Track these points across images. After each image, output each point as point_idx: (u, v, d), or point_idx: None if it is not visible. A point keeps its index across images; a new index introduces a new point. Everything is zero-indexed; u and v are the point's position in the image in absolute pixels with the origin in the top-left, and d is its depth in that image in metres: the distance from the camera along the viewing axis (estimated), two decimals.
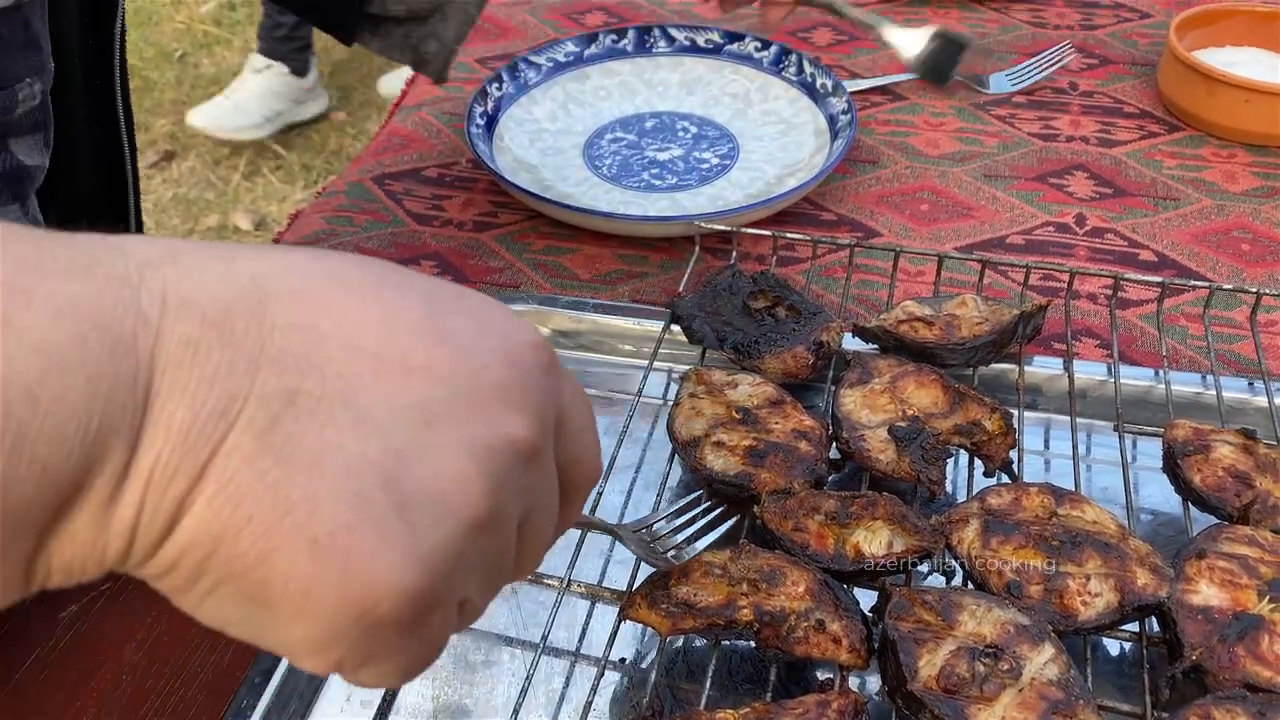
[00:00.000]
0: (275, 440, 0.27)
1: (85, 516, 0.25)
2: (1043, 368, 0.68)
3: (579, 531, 0.57)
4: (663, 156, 0.93)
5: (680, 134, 0.95)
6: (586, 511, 0.57)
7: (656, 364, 0.69)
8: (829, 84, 0.95)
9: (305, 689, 0.54)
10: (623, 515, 0.59)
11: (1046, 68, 1.03)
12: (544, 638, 0.52)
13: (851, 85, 1.00)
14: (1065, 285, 0.71)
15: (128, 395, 0.25)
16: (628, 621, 0.52)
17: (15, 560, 0.25)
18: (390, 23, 0.75)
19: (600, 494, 0.60)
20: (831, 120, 0.92)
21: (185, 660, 0.56)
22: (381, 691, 0.51)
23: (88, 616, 0.58)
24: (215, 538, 0.27)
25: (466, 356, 0.30)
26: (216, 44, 3.04)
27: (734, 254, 0.75)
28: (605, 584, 0.58)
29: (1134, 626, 0.52)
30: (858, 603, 0.51)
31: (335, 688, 0.54)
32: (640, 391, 0.64)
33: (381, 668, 0.30)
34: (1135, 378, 0.68)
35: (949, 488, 0.63)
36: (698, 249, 0.75)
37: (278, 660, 0.53)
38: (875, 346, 0.68)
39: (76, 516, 0.25)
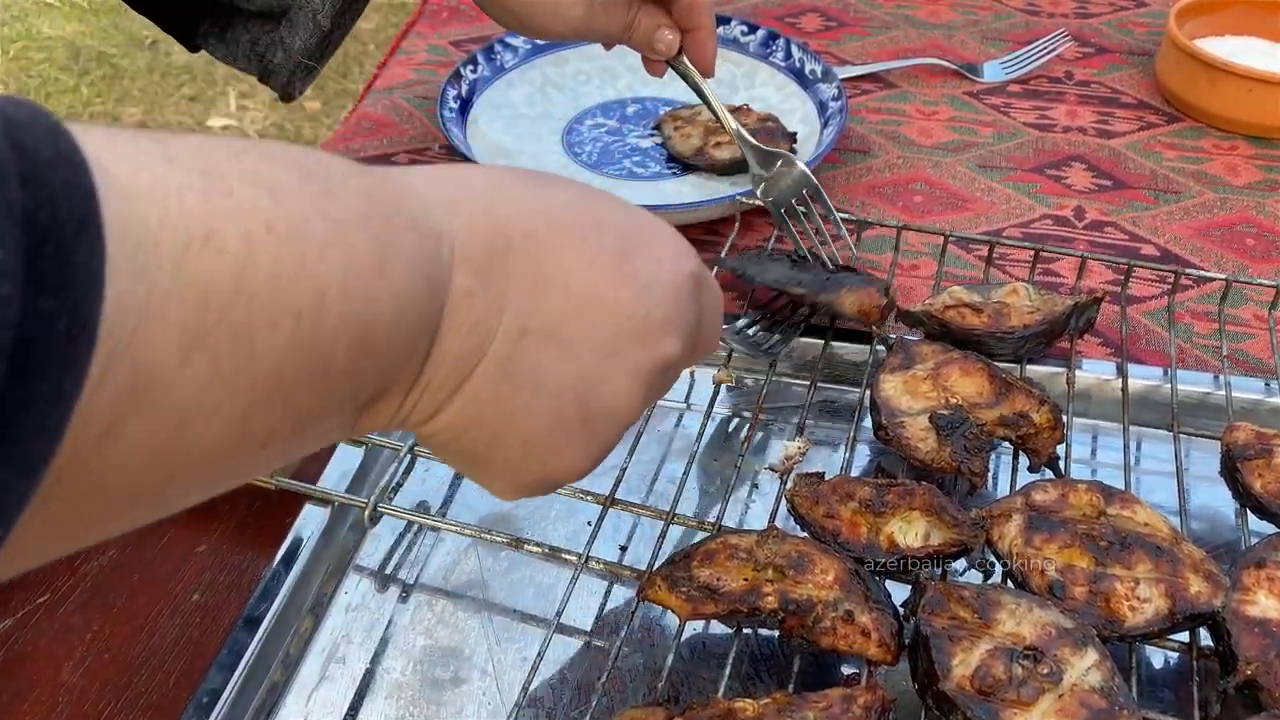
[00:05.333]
0: (509, 368, 0.37)
1: (387, 404, 0.35)
2: (1092, 372, 0.65)
3: (598, 507, 0.55)
4: (645, 144, 0.89)
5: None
6: (641, 499, 0.55)
7: None
8: (818, 70, 0.91)
9: (259, 708, 0.50)
10: (675, 502, 0.56)
11: (1041, 56, 0.99)
12: (558, 614, 0.50)
13: (841, 72, 0.95)
14: (1074, 281, 0.68)
15: (430, 332, 0.34)
16: (646, 603, 0.50)
17: (349, 421, 0.35)
18: (238, 27, 0.69)
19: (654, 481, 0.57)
20: (821, 107, 0.89)
21: (127, 681, 0.51)
22: (342, 713, 0.50)
23: (22, 632, 0.53)
24: (461, 428, 0.37)
25: (644, 296, 0.39)
26: None
27: (774, 234, 0.72)
28: (625, 563, 0.56)
29: (1184, 636, 0.49)
30: (889, 595, 0.49)
31: (290, 707, 0.51)
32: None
33: (541, 494, 0.43)
34: (1193, 383, 0.64)
35: (990, 482, 0.60)
36: (738, 225, 0.73)
37: (226, 679, 0.49)
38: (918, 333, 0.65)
39: (382, 404, 0.35)
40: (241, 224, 0.28)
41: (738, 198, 0.73)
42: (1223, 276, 0.66)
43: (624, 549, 0.57)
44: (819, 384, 0.65)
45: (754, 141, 0.73)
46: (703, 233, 0.80)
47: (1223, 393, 0.62)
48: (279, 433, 0.31)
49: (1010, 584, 0.50)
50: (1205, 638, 0.49)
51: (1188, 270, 0.67)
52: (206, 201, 0.27)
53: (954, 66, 0.99)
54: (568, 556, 0.52)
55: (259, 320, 0.28)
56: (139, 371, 0.25)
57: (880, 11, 1.09)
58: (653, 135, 0.90)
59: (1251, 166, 0.87)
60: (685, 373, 0.68)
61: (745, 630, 0.50)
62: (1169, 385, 0.62)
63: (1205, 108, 0.91)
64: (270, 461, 0.32)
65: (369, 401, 0.34)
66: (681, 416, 0.66)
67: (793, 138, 0.85)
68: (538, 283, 0.37)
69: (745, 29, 0.97)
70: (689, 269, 0.41)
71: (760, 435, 0.64)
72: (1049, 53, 1.00)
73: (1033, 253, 0.69)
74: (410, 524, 0.58)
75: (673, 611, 0.48)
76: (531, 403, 0.38)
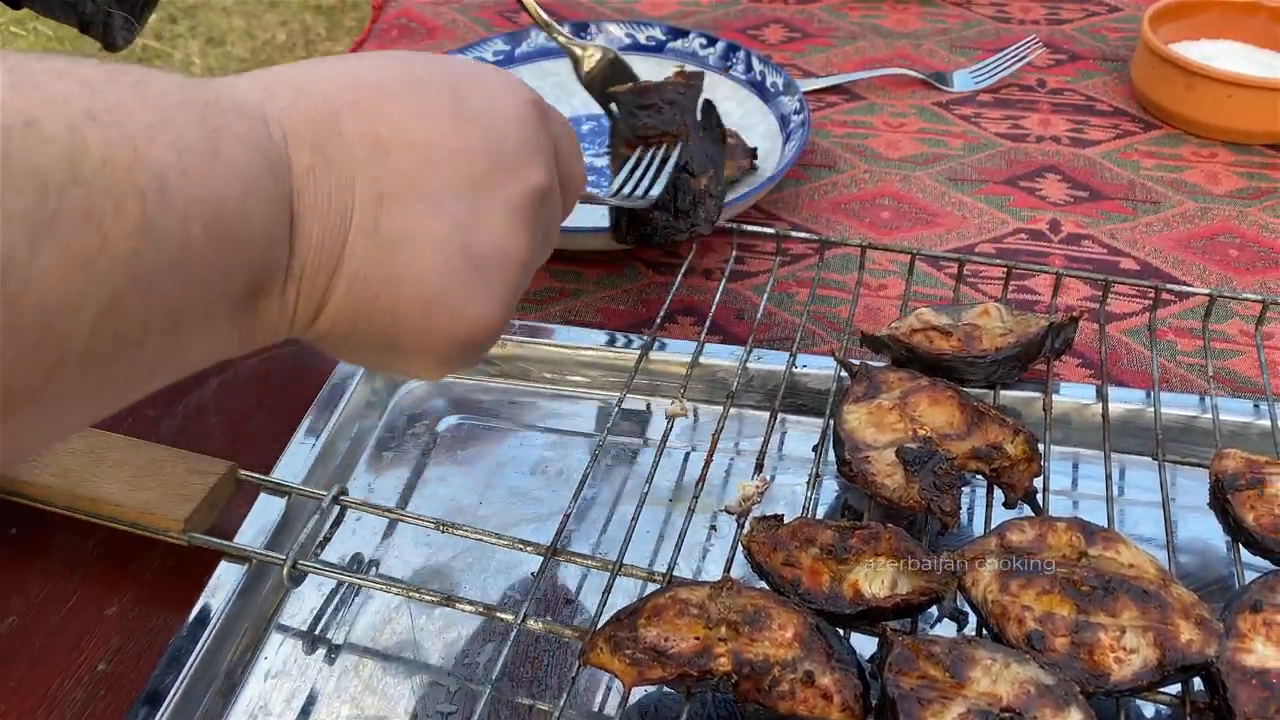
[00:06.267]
0: (379, 237, 0.36)
1: (267, 301, 0.35)
2: (1071, 396, 0.61)
3: (538, 559, 0.50)
4: (600, 162, 0.85)
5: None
6: (592, 546, 0.51)
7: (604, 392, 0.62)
8: (780, 82, 0.88)
9: None
10: (623, 551, 0.51)
11: (1012, 64, 0.96)
12: (495, 679, 0.45)
13: (804, 84, 0.92)
14: (1049, 299, 0.64)
15: (285, 214, 0.34)
16: (588, 667, 0.45)
17: (231, 322, 0.34)
18: None
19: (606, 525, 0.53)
20: (783, 121, 0.85)
21: None
22: None
23: None
24: (354, 311, 0.37)
25: (489, 132, 0.39)
26: (157, 58, 2.92)
27: (733, 253, 0.68)
28: (574, 619, 0.51)
29: (1176, 689, 0.45)
30: (854, 652, 0.44)
31: None
32: (611, 422, 0.58)
33: (468, 367, 0.46)
34: (1178, 405, 0.60)
35: (964, 520, 0.56)
36: (694, 246, 0.69)
37: None
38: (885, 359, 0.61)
39: (262, 300, 0.35)
40: (60, 113, 0.27)
41: None
42: (1206, 291, 0.63)
43: (570, 602, 0.53)
44: (780, 414, 0.61)
45: (554, 24, 0.74)
46: (660, 254, 0.76)
47: (1209, 415, 0.58)
48: (153, 328, 0.30)
49: (985, 635, 0.46)
50: (1200, 688, 0.45)
51: (1169, 285, 0.63)
52: (18, 93, 0.27)
53: (922, 76, 0.96)
54: (503, 616, 0.48)
55: (102, 205, 0.28)
56: None
57: (846, 21, 1.06)
58: (607, 154, 0.86)
59: (1232, 174, 0.84)
60: (641, 406, 0.64)
61: (698, 691, 0.45)
62: (1152, 409, 0.59)
63: (1183, 114, 0.88)
64: (154, 367, 0.32)
65: (247, 298, 0.34)
66: (637, 454, 0.62)
67: (753, 154, 0.81)
68: (378, 148, 0.36)
69: (704, 41, 0.93)
70: (526, 97, 0.42)
71: (721, 472, 0.60)
72: (1020, 60, 0.97)
73: (1005, 270, 0.66)
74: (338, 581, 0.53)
75: (616, 677, 0.44)
76: (413, 264, 0.37)
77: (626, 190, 0.63)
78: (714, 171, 0.67)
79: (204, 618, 0.49)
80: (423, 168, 0.37)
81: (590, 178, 0.83)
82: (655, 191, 0.62)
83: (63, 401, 0.29)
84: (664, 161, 0.64)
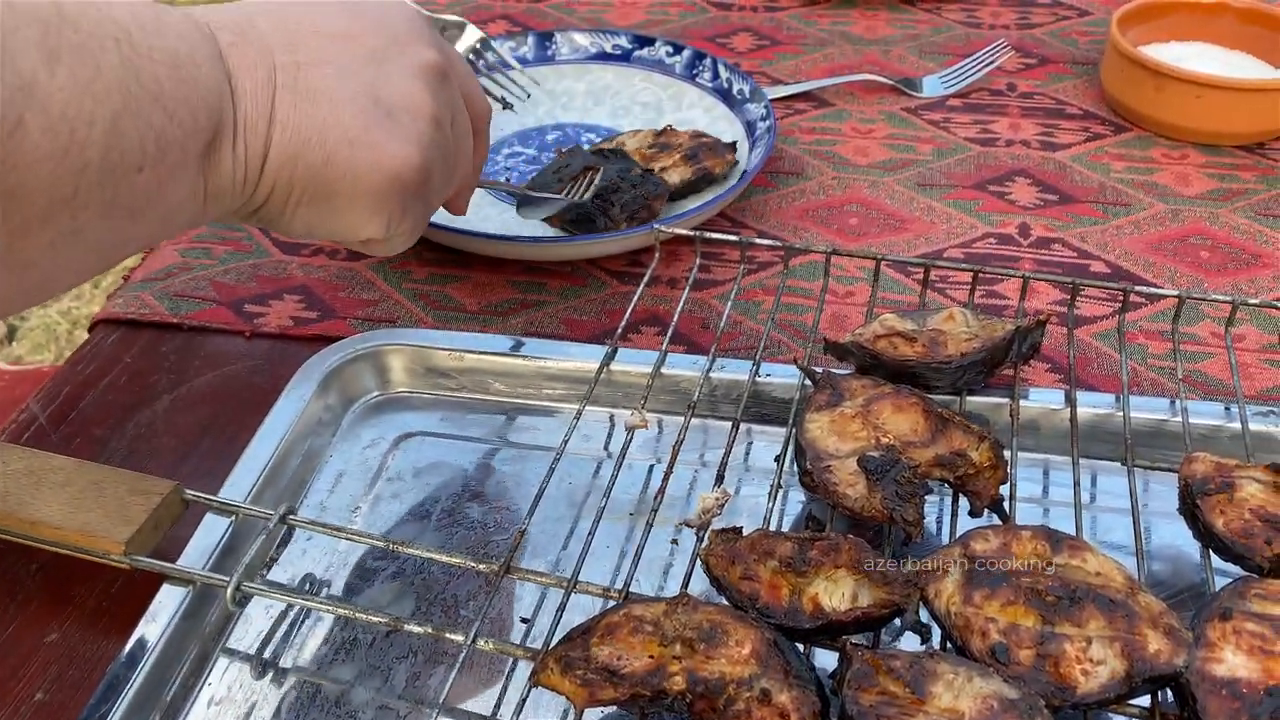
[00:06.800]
0: (300, 92, 0.45)
1: (223, 151, 0.43)
2: (1039, 401, 0.60)
3: (492, 576, 0.49)
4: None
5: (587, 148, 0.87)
6: (551, 563, 0.49)
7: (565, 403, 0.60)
8: (746, 89, 0.87)
9: None
10: (579, 567, 0.50)
11: (981, 68, 0.95)
12: (441, 704, 0.44)
13: (772, 92, 0.92)
14: (1020, 302, 0.63)
15: (223, 71, 0.43)
16: (539, 688, 0.44)
17: (194, 180, 0.42)
18: None
19: (567, 540, 0.52)
20: (749, 127, 0.84)
21: None
22: None
23: None
24: (292, 157, 0.45)
25: (381, 22, 0.49)
26: None
27: (696, 262, 0.67)
28: (530, 638, 0.50)
29: (1144, 701, 0.44)
30: (813, 668, 0.43)
31: None
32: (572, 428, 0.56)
33: (405, 225, 0.50)
34: (1148, 409, 0.59)
35: (931, 529, 0.55)
36: (658, 255, 0.67)
37: None
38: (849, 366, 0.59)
39: (220, 150, 0.43)
40: None
41: (656, 227, 0.68)
42: (1175, 293, 0.62)
43: (526, 621, 0.51)
44: (745, 424, 0.60)
45: None
46: (625, 264, 0.75)
47: (1179, 419, 0.57)
48: (148, 153, 0.38)
49: (949, 647, 0.45)
50: (1169, 700, 0.44)
51: (1137, 287, 0.62)
52: None
53: (891, 82, 0.95)
54: (453, 637, 0.46)
55: (89, 43, 0.36)
56: (21, 75, 0.34)
57: (814, 28, 1.05)
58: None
59: (1202, 176, 0.83)
60: (605, 418, 0.63)
61: (652, 712, 0.44)
62: (1121, 413, 0.57)
63: (1152, 116, 0.87)
64: (151, 195, 0.39)
65: (209, 147, 0.42)
66: (600, 466, 0.60)
67: (732, 148, 0.80)
68: (291, 35, 0.46)
69: (670, 50, 0.92)
70: (412, 9, 0.51)
71: (685, 484, 0.59)
72: (989, 64, 0.96)
73: (972, 274, 0.64)
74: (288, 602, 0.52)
75: (567, 699, 0.43)
76: (334, 113, 0.45)
77: (570, 194, 0.74)
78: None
79: (143, 644, 0.47)
80: (327, 46, 0.46)
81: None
82: (589, 194, 0.73)
83: (87, 215, 0.37)
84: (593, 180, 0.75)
